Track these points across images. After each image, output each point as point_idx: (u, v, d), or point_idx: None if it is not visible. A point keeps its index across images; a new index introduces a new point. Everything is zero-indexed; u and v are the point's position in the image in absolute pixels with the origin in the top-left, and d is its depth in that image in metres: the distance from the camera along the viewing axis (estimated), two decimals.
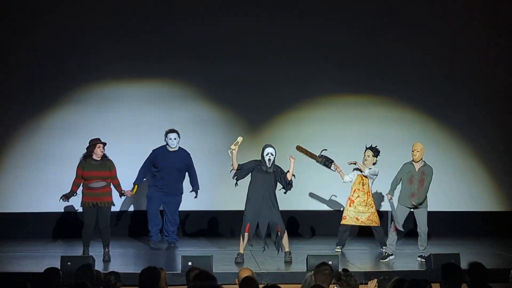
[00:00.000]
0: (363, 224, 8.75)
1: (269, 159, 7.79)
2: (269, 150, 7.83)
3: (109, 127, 9.97)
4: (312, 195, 10.12)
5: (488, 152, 10.54)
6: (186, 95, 10.35)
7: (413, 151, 8.23)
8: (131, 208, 10.08)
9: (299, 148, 8.63)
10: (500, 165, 10.55)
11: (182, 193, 9.16)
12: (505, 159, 10.57)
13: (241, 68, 10.29)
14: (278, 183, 7.93)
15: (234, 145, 7.80)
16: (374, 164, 8.65)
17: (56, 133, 10.08)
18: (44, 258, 7.85)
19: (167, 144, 9.08)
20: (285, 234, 7.91)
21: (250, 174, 7.91)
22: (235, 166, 7.84)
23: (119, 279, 5.59)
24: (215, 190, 9.89)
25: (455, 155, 10.52)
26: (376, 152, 8.66)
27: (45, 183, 9.78)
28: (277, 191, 8.01)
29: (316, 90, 10.36)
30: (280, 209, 7.99)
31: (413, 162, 8.24)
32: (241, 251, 7.85)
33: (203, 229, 10.21)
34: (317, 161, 8.65)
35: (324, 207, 10.11)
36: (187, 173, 9.22)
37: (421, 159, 8.25)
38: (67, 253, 8.11)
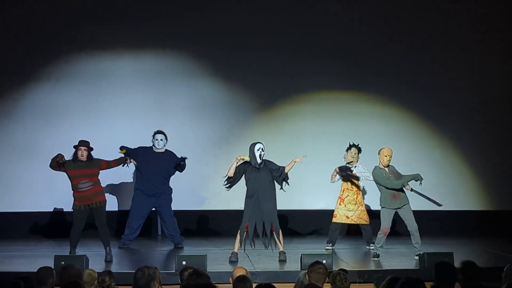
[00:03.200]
0: (353, 222, 8.84)
1: (260, 155, 7.82)
2: (260, 145, 7.87)
3: (96, 110, 9.64)
4: (306, 194, 10.13)
5: (476, 151, 10.55)
6: (183, 70, 10.10)
7: (386, 156, 8.01)
8: (115, 208, 9.92)
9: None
10: (487, 164, 10.55)
11: (171, 192, 9.03)
12: (494, 158, 10.56)
13: (230, 60, 10.22)
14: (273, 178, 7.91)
15: (242, 158, 7.75)
16: (357, 161, 8.84)
17: (34, 120, 9.67)
18: (37, 258, 7.82)
19: (153, 145, 8.92)
20: (280, 233, 7.91)
21: (244, 176, 7.89)
22: (231, 173, 7.81)
23: (113, 279, 5.59)
24: (211, 188, 9.87)
25: (441, 152, 10.54)
26: (359, 149, 8.85)
27: (34, 181, 9.66)
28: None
29: (303, 85, 10.39)
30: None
31: (382, 166, 8.07)
32: (236, 250, 7.85)
33: (198, 228, 10.20)
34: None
35: (319, 206, 10.12)
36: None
37: None
38: (60, 252, 8.07)
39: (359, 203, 8.77)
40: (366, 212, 8.84)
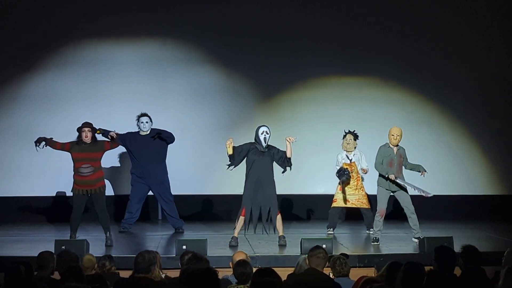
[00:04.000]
0: (353, 206, 8.81)
1: (265, 138, 7.78)
2: (264, 129, 7.82)
3: (96, 97, 9.63)
4: (306, 178, 10.12)
5: (483, 135, 10.54)
6: (183, 58, 10.05)
7: (392, 135, 8.00)
8: (111, 193, 9.85)
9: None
10: (494, 148, 10.55)
11: (166, 172, 8.92)
12: (500, 142, 10.57)
13: (230, 47, 10.17)
14: (275, 163, 7.88)
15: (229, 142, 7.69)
16: (355, 147, 8.78)
17: (35, 106, 9.68)
18: (38, 242, 7.83)
19: (139, 128, 8.79)
20: (279, 218, 7.91)
21: (245, 158, 7.86)
22: (230, 151, 7.77)
23: (114, 263, 5.61)
24: (212, 173, 9.86)
25: (449, 137, 10.53)
26: (356, 136, 8.80)
27: (35, 166, 9.65)
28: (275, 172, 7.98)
29: (309, 72, 10.32)
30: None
31: (391, 146, 8.11)
32: (236, 234, 7.85)
33: (199, 212, 10.21)
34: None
35: (319, 191, 10.12)
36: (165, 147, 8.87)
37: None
38: (60, 237, 8.08)
39: (360, 188, 8.75)
40: (366, 197, 8.80)
